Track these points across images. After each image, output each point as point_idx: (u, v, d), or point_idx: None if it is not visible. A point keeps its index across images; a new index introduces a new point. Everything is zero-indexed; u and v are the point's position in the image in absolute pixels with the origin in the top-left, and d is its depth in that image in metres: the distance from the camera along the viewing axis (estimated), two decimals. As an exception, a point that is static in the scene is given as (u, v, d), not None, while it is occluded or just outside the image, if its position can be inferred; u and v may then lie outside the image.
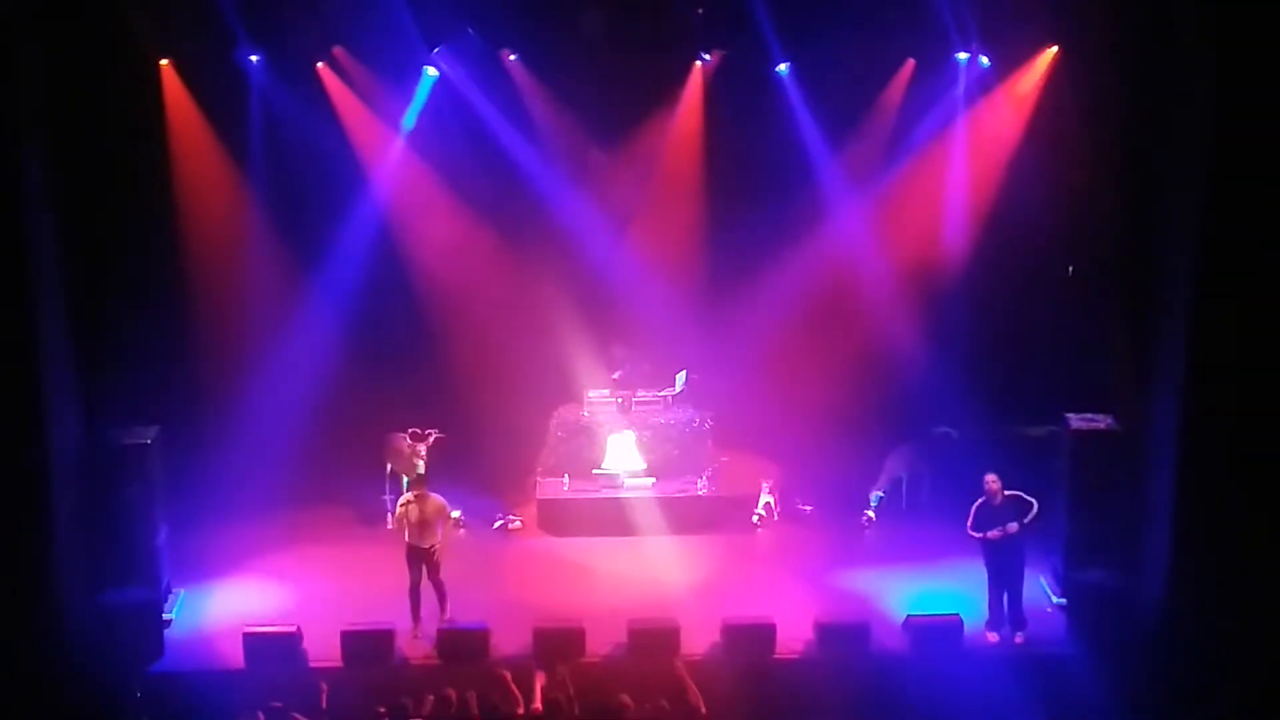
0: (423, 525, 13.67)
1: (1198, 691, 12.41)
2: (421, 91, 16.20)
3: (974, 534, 13.48)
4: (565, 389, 16.94)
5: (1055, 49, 15.68)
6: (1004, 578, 13.55)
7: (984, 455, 16.01)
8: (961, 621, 13.35)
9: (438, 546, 13.69)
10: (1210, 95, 12.58)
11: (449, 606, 13.80)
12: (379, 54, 15.86)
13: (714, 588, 14.61)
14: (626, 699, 10.90)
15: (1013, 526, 13.35)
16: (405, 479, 15.88)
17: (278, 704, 11.01)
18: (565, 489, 16.35)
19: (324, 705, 11.47)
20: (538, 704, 11.00)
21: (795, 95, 16.44)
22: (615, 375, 17.05)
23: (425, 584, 13.73)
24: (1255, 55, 12.28)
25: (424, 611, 13.67)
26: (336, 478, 16.63)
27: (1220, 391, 12.80)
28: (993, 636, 13.61)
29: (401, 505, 13.89)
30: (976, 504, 13.53)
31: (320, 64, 15.93)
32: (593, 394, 16.86)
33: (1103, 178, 14.97)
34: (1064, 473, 14.43)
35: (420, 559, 13.70)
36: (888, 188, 16.87)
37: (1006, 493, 13.45)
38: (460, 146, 16.58)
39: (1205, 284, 12.77)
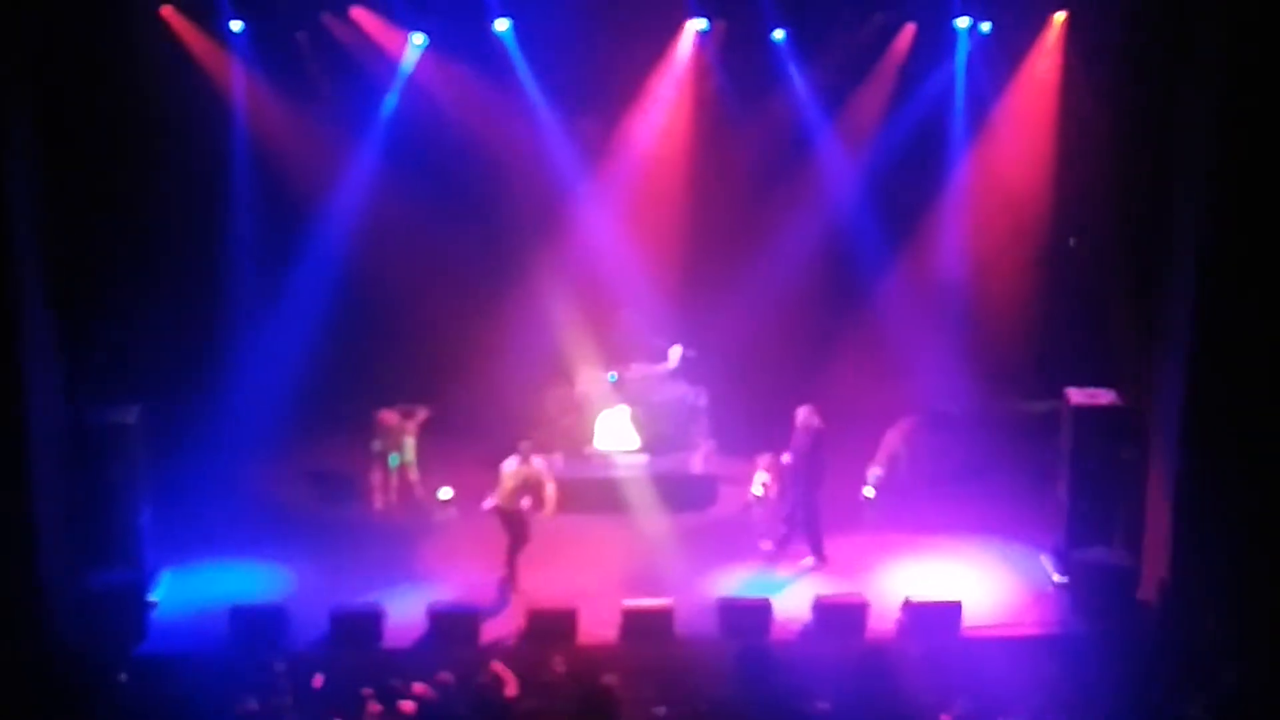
0: (520, 491, 13.90)
1: (1201, 671, 12.27)
2: (408, 60, 15.98)
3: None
4: (557, 366, 16.73)
5: (1064, 14, 15.46)
6: (796, 507, 14.33)
7: (984, 431, 15.98)
8: (960, 605, 13.21)
9: (525, 511, 13.95)
10: (1218, 69, 12.38)
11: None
12: (366, 20, 15.61)
13: (709, 566, 14.45)
14: (612, 679, 10.74)
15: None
16: (394, 456, 15.73)
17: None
18: (558, 467, 16.15)
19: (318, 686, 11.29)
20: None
21: (792, 63, 16.25)
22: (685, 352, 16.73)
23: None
24: (1265, 26, 12.04)
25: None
26: (323, 456, 16.52)
27: (1225, 365, 12.69)
28: (807, 563, 14.39)
29: (510, 473, 14.04)
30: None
31: (303, 32, 15.68)
32: (585, 371, 16.66)
33: (1106, 148, 14.79)
34: (1065, 449, 14.24)
35: (513, 522, 13.89)
36: (887, 159, 16.69)
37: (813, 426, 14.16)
38: (449, 117, 16.37)
39: (1210, 256, 12.62)
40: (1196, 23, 12.76)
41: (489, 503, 14.15)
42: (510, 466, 14.10)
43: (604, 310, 17.05)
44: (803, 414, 14.31)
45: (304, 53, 15.83)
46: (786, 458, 14.48)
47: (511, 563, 14.04)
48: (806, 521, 14.37)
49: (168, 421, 14.85)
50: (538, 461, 14.23)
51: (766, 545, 14.58)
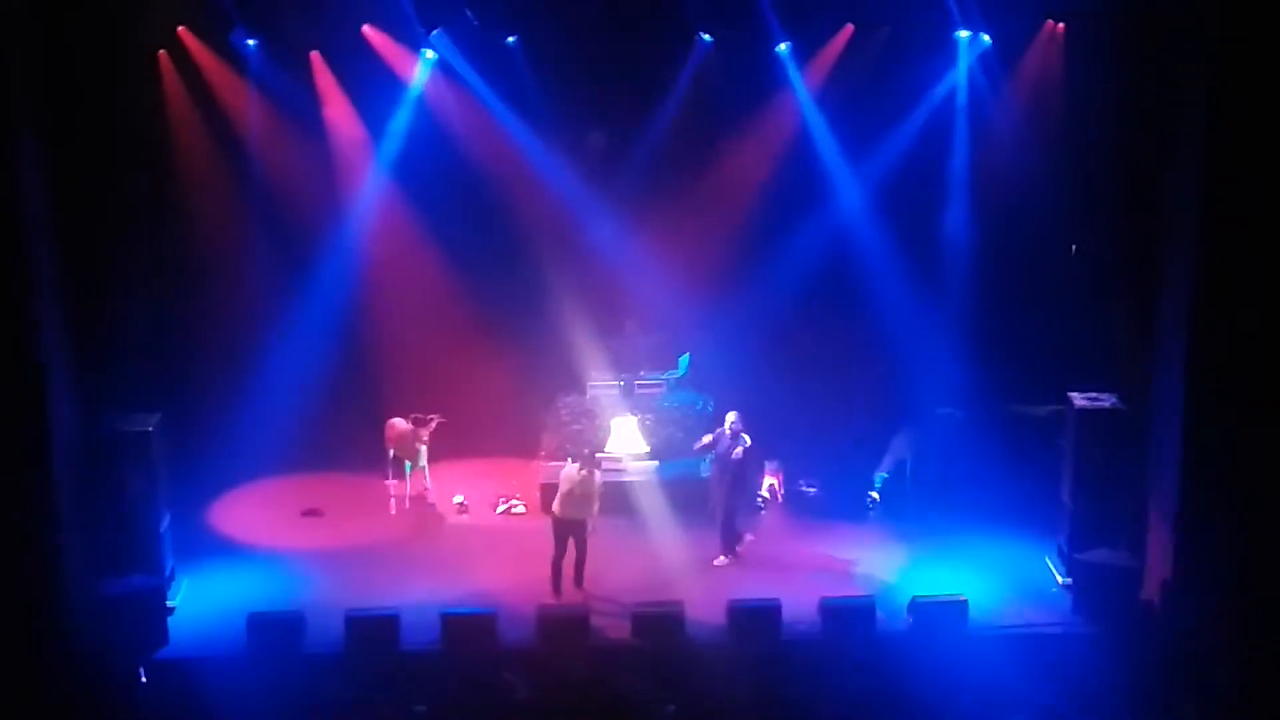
0: (584, 499, 13.92)
1: (1203, 671, 12.39)
2: (419, 76, 16.18)
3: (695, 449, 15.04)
4: (568, 373, 16.86)
5: (1060, 25, 15.62)
6: (725, 506, 14.65)
7: (988, 435, 16.06)
8: (966, 602, 13.33)
9: (591, 521, 14.01)
10: (1215, 75, 12.49)
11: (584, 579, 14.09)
12: (376, 37, 15.78)
13: (718, 570, 14.60)
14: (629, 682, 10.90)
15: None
16: (408, 464, 15.91)
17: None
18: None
19: None
20: None
21: (796, 74, 16.40)
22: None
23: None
24: (1258, 29, 12.20)
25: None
26: (339, 463, 16.62)
27: (1224, 369, 12.76)
28: (720, 561, 14.66)
29: (566, 478, 14.05)
30: (715, 433, 14.82)
31: (317, 48, 15.86)
32: (595, 378, 16.80)
33: (1107, 155, 14.91)
34: (1068, 451, 14.36)
35: (569, 532, 13.93)
36: (891, 167, 16.78)
37: (742, 433, 14.56)
38: (460, 130, 16.48)
39: (1208, 261, 12.70)
40: (1194, 28, 12.89)
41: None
42: (574, 473, 14.12)
43: (614, 319, 17.19)
44: (732, 420, 14.62)
45: (314, 71, 15.98)
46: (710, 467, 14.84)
47: (557, 569, 14.07)
48: (726, 521, 14.63)
49: (187, 429, 15.03)
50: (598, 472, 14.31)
51: (721, 561, 14.72)
